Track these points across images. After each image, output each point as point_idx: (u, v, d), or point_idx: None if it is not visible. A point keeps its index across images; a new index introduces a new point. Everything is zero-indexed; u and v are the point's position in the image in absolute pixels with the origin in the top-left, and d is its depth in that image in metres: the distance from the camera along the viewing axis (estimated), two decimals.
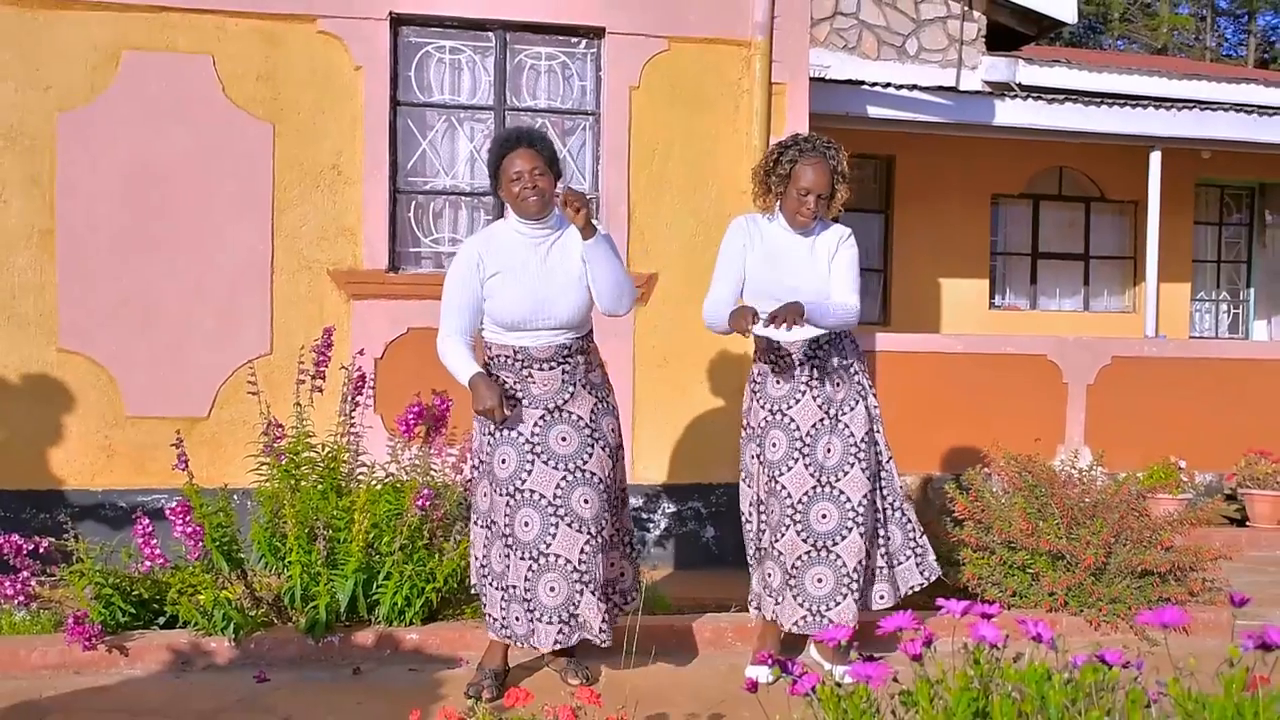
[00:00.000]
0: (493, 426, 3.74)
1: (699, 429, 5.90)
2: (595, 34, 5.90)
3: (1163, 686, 1.65)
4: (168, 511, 4.18)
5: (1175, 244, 10.21)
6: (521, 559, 3.67)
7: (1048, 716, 1.64)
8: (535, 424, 3.73)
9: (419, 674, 4.10)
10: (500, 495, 3.73)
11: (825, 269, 4.04)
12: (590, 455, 3.75)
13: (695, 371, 5.93)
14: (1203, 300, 11.28)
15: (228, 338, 5.53)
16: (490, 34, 5.85)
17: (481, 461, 3.84)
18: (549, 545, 3.64)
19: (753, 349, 4.16)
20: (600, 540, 3.70)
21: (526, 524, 3.67)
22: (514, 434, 3.73)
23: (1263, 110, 8.85)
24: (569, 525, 3.65)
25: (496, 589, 3.77)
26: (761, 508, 4.08)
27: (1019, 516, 4.87)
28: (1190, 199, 10.64)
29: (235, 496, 4.68)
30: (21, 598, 4.21)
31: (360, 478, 4.52)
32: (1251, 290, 11.39)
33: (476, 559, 3.90)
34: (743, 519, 4.21)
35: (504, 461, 3.72)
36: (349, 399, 4.60)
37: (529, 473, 3.68)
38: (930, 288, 9.96)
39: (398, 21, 5.71)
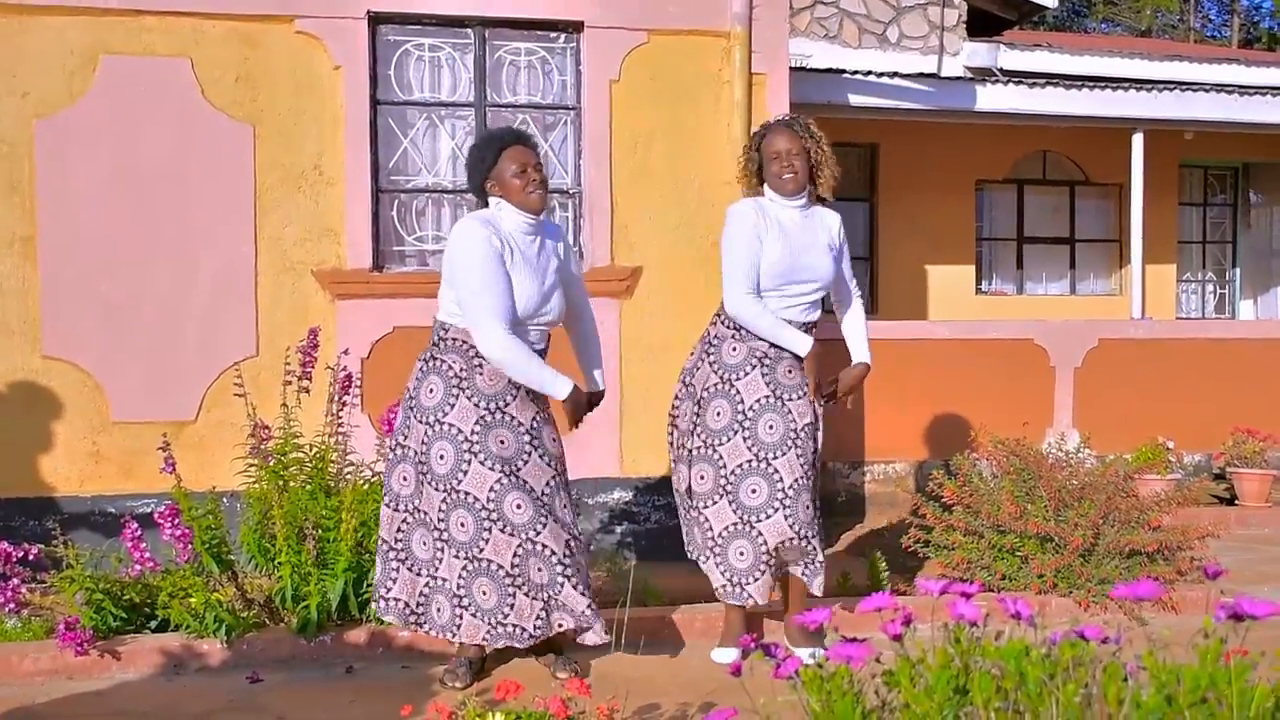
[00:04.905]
0: (433, 418, 3.70)
1: None
2: (574, 28, 5.90)
3: (1141, 660, 1.66)
4: (156, 515, 4.18)
5: (1160, 225, 10.26)
6: (456, 558, 3.68)
7: (1026, 692, 1.65)
8: (476, 423, 3.68)
9: (412, 671, 4.10)
10: (436, 490, 3.70)
11: (829, 249, 4.15)
12: (526, 461, 3.72)
13: (681, 363, 5.92)
14: (1189, 281, 11.33)
15: (213, 341, 5.53)
16: (469, 31, 5.85)
17: (408, 448, 3.79)
18: (481, 550, 3.65)
19: (715, 312, 4.20)
20: (532, 546, 3.66)
21: (462, 525, 3.66)
22: (453, 430, 3.68)
23: (1244, 90, 8.88)
24: (501, 530, 3.64)
25: (417, 574, 3.78)
26: (690, 458, 4.15)
27: (1007, 500, 4.89)
28: (1174, 180, 10.68)
29: (224, 499, 4.67)
30: (12, 605, 4.20)
31: (348, 477, 4.52)
32: (1237, 270, 11.43)
33: (385, 542, 3.86)
34: (670, 456, 4.30)
35: (441, 458, 3.69)
36: (335, 399, 4.60)
37: (464, 473, 3.65)
38: (916, 275, 9.99)
39: (376, 20, 5.71)
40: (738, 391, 4.04)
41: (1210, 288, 11.47)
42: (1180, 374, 7.76)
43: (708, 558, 4.10)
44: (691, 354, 4.26)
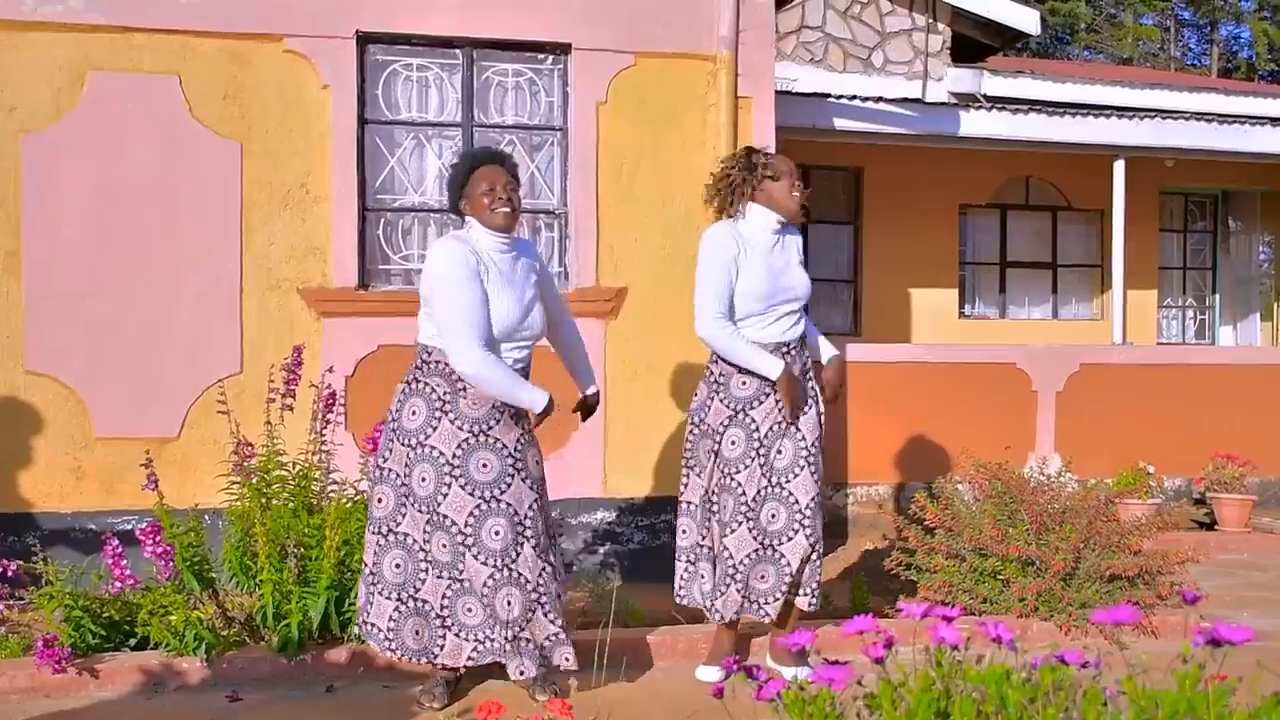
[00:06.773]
0: (415, 440, 3.67)
1: (671, 441, 5.92)
2: (562, 50, 5.93)
3: (1121, 685, 1.67)
4: (138, 532, 4.16)
5: (1141, 251, 10.33)
6: (440, 578, 3.67)
7: (1007, 716, 1.66)
8: (458, 446, 3.65)
9: (392, 690, 4.09)
10: (420, 512, 3.68)
11: (801, 267, 4.21)
12: (509, 485, 3.68)
13: (666, 384, 5.95)
14: (1169, 307, 11.41)
15: (197, 357, 5.51)
16: (457, 51, 5.87)
17: (388, 470, 3.76)
18: (460, 572, 3.65)
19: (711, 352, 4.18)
20: (508, 573, 3.63)
21: (443, 546, 3.66)
22: (435, 453, 3.65)
23: (1224, 118, 8.98)
24: (475, 557, 3.63)
25: (387, 598, 3.74)
26: (711, 504, 4.12)
27: (989, 523, 4.91)
28: (1155, 207, 10.77)
29: (206, 516, 4.66)
30: None
31: (331, 495, 4.50)
32: (1217, 296, 11.52)
33: (365, 565, 3.82)
34: (681, 508, 4.22)
35: (423, 480, 3.66)
36: (319, 417, 4.59)
37: (444, 496, 3.63)
38: (900, 298, 10.03)
39: (365, 40, 5.73)
40: (752, 420, 4.04)
41: (1190, 313, 11.56)
42: (1161, 399, 7.81)
43: (726, 585, 4.05)
44: (696, 396, 4.20)
